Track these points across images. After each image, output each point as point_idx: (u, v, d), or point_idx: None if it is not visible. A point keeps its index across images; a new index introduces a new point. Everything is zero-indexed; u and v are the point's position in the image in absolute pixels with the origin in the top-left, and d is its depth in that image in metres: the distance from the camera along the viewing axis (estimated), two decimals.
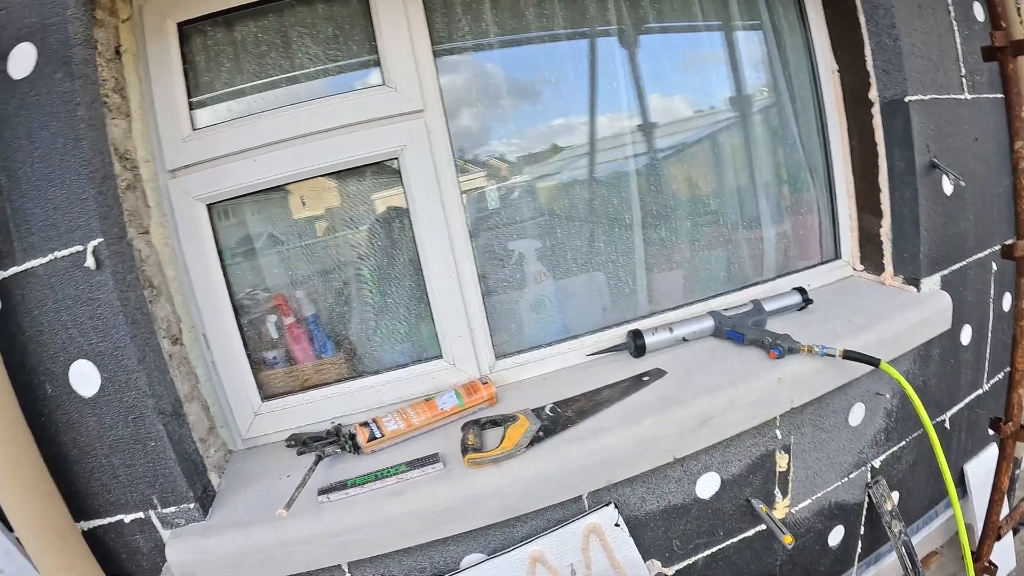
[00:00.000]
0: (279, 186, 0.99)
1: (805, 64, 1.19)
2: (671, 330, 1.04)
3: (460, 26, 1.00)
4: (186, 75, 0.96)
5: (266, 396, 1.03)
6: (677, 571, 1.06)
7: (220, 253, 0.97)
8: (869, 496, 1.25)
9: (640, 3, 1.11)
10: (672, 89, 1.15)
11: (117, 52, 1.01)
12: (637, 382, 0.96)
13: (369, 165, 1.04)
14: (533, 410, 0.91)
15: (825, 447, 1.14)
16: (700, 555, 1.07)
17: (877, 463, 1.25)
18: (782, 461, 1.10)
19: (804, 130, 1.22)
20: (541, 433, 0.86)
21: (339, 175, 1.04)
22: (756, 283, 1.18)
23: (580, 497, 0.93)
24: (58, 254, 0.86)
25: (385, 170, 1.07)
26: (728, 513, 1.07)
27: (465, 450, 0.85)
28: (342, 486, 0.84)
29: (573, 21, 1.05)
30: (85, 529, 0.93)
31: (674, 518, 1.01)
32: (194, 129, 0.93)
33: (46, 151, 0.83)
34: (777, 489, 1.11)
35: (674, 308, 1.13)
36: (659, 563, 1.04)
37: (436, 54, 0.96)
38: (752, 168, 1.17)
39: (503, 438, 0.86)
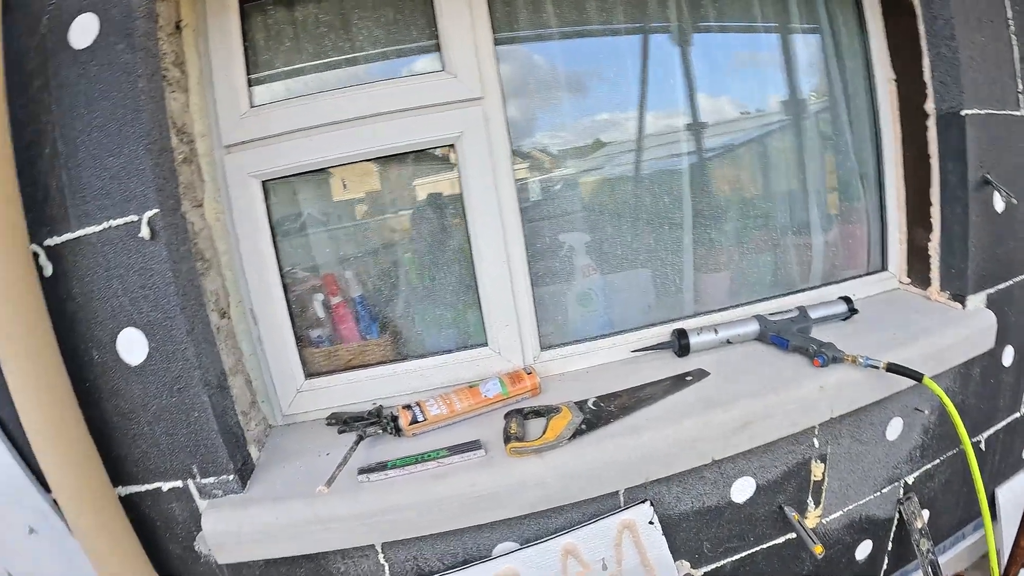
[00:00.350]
0: (322, 168, 0.99)
1: (862, 71, 1.17)
2: (716, 332, 1.03)
3: (521, 16, 1.00)
4: (246, 52, 0.96)
5: (309, 374, 1.03)
6: (705, 573, 1.05)
7: (272, 230, 0.97)
8: (900, 512, 1.23)
9: (700, 1, 1.10)
10: (725, 89, 1.14)
11: (177, 26, 1.02)
12: (680, 381, 0.95)
13: (416, 152, 1.04)
14: (576, 403, 0.90)
15: (861, 459, 1.13)
16: (729, 559, 1.06)
17: (910, 479, 1.23)
18: (817, 470, 1.08)
19: (857, 138, 1.20)
20: (584, 426, 0.86)
21: (386, 160, 1.04)
22: (802, 290, 1.17)
23: (616, 493, 0.92)
24: (112, 223, 0.87)
25: (429, 157, 1.07)
26: (760, 519, 1.06)
27: (508, 439, 0.85)
28: (382, 467, 0.85)
29: (631, 16, 1.05)
30: (122, 495, 0.94)
31: (707, 520, 1.01)
32: (252, 106, 0.94)
33: (104, 121, 0.84)
34: (810, 498, 1.09)
35: (719, 310, 1.12)
36: (688, 564, 1.03)
37: (496, 42, 0.96)
38: (804, 173, 1.16)
39: (546, 429, 0.86)
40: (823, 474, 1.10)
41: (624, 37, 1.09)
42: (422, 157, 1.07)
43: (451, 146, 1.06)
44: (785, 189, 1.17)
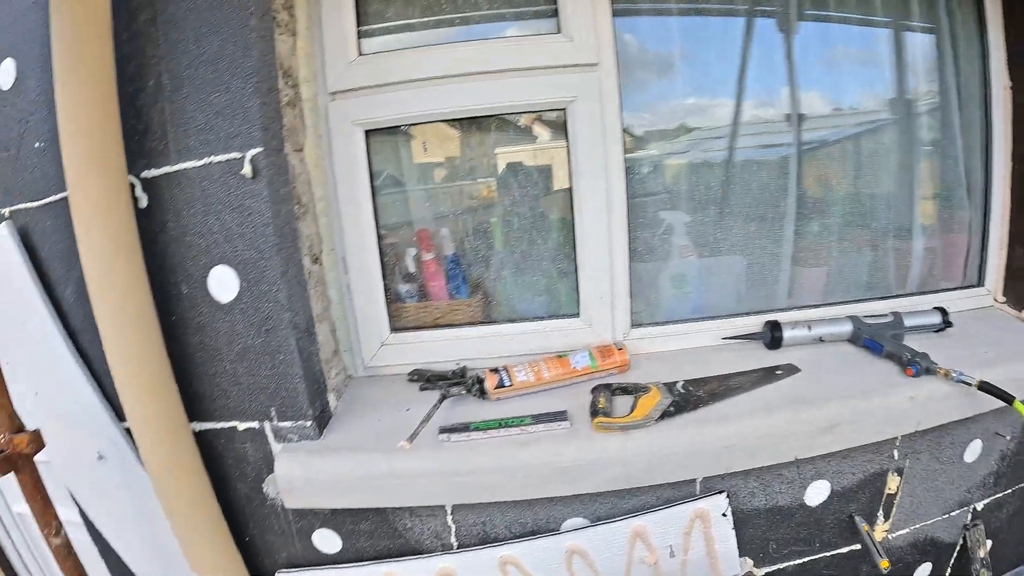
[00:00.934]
0: (428, 121, 0.98)
1: (978, 77, 1.11)
2: (809, 328, 1.00)
3: None
4: (356, 1, 0.96)
5: (395, 328, 1.03)
6: (766, 574, 1.02)
7: (371, 180, 0.96)
8: (964, 538, 1.19)
9: None
10: (832, 81, 1.09)
11: None
12: (769, 374, 0.92)
13: (523, 112, 1.02)
14: (665, 384, 0.88)
15: (936, 478, 1.09)
16: (792, 562, 1.03)
17: (980, 506, 1.18)
18: (893, 483, 1.04)
19: (968, 145, 1.14)
20: (672, 408, 0.84)
21: (492, 123, 1.03)
22: (895, 295, 1.12)
23: (694, 480, 0.90)
24: (214, 159, 0.87)
25: (512, 126, 1.06)
26: (829, 525, 1.02)
27: (595, 413, 0.83)
28: (465, 428, 0.84)
29: None
30: (196, 430, 0.95)
31: (777, 519, 0.98)
32: (360, 54, 0.93)
33: (213, 57, 0.84)
34: (881, 511, 1.06)
35: (813, 306, 1.09)
36: (751, 562, 1.00)
37: (614, 12, 0.93)
38: (909, 176, 1.11)
39: (634, 407, 0.84)
40: (898, 488, 1.06)
41: (734, 19, 1.06)
42: (521, 128, 1.06)
43: (538, 118, 1.05)
44: (889, 190, 1.12)
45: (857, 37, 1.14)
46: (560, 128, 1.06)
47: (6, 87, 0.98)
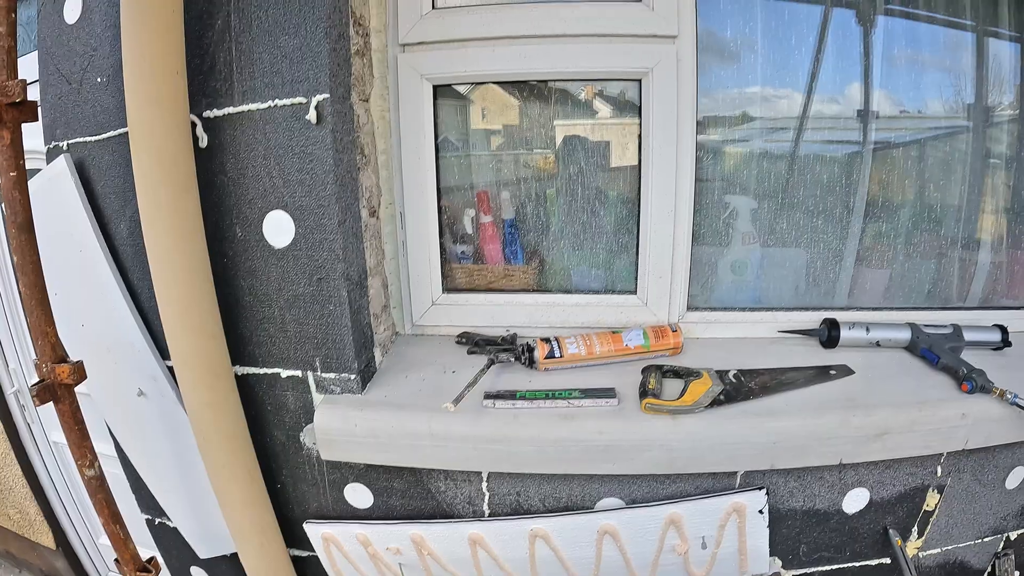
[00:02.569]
0: (499, 82, 0.96)
1: None
2: (867, 330, 0.97)
3: None
4: None
5: (447, 288, 1.02)
6: None
7: (436, 136, 0.95)
8: (994, 567, 1.16)
9: None
10: (908, 81, 1.05)
11: None
12: (823, 373, 0.90)
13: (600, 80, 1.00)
14: (717, 371, 0.86)
15: (975, 500, 1.06)
16: (821, 568, 1.01)
17: (1013, 535, 1.15)
18: (932, 500, 1.02)
19: None
20: (722, 397, 0.82)
21: (553, 94, 1.01)
22: (956, 308, 1.09)
23: (736, 473, 0.88)
24: (279, 102, 0.86)
25: (572, 98, 1.04)
26: (863, 535, 1.00)
27: (644, 393, 0.81)
28: (511, 395, 0.83)
29: None
30: (239, 374, 0.95)
31: (812, 523, 0.96)
32: (434, 7, 0.91)
33: None
34: (916, 527, 1.03)
35: (871, 308, 1.05)
36: (780, 563, 0.99)
37: None
38: (981, 187, 1.07)
39: (684, 391, 0.82)
40: (936, 505, 1.03)
41: (813, 7, 1.02)
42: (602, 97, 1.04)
43: (599, 92, 1.02)
44: (958, 199, 1.08)
45: (938, 38, 1.09)
46: (622, 104, 1.04)
47: (72, 21, 0.98)
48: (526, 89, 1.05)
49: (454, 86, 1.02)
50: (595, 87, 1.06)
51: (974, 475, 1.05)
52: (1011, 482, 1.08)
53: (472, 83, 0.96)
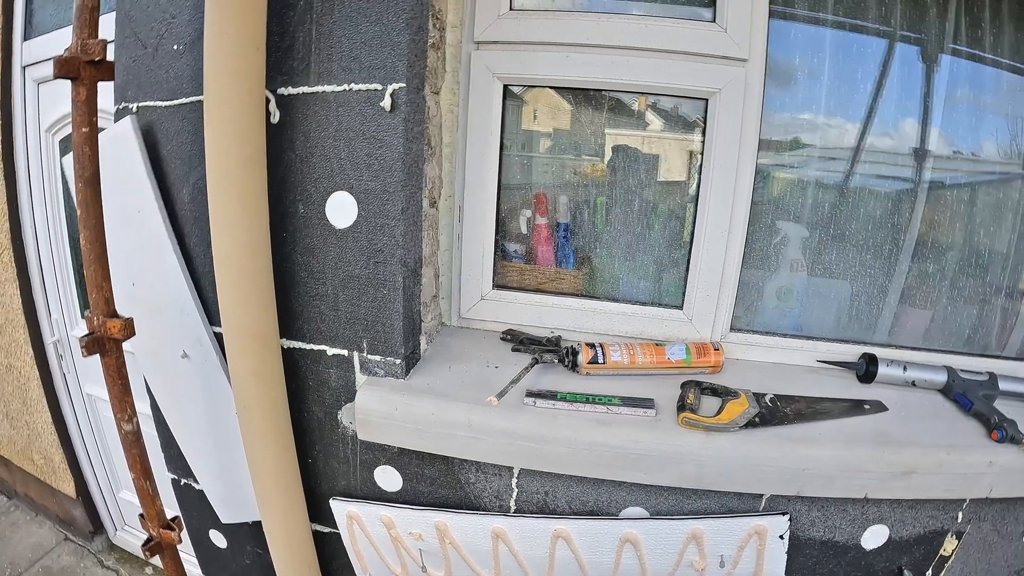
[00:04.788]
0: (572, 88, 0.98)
1: None
2: (904, 369, 0.98)
3: None
4: None
5: (496, 284, 1.04)
6: None
7: (502, 134, 0.97)
8: None
9: (981, 23, 1.02)
10: (966, 123, 1.05)
11: None
12: (857, 407, 0.91)
13: (622, 102, 1.02)
14: (755, 393, 0.87)
15: (992, 551, 1.06)
16: None
17: None
18: (949, 545, 1.02)
19: None
20: (757, 419, 0.83)
21: (605, 102, 1.03)
22: (994, 356, 1.09)
23: (762, 496, 0.90)
24: (354, 87, 0.88)
25: (625, 109, 1.06)
26: (877, 572, 1.01)
27: (682, 408, 0.83)
28: (552, 395, 0.84)
29: (911, 21, 0.98)
30: (285, 346, 0.98)
31: (830, 554, 0.97)
32: (511, 8, 0.93)
33: None
34: (931, 570, 1.03)
35: (910, 348, 1.06)
36: None
37: (771, 14, 0.91)
38: None
39: (721, 409, 0.83)
40: (953, 551, 1.04)
41: (879, 40, 1.03)
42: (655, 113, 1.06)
43: (652, 105, 1.04)
44: (1008, 247, 1.08)
45: (1001, 82, 1.10)
46: (673, 118, 1.06)
47: None
48: (580, 94, 1.06)
49: (511, 86, 1.04)
50: (648, 99, 1.08)
51: (994, 525, 1.05)
52: None
53: (536, 85, 0.98)
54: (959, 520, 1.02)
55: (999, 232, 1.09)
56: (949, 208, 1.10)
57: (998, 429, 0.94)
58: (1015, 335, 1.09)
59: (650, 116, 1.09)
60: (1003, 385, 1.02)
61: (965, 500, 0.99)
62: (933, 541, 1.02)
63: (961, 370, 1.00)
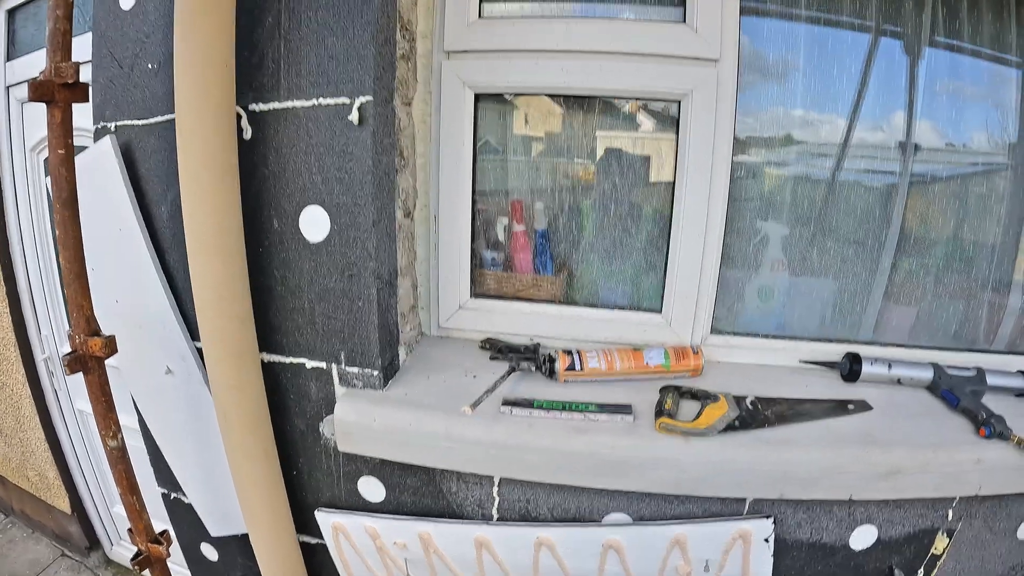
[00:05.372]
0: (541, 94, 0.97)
1: None
2: (889, 367, 0.97)
3: None
4: None
5: (474, 293, 1.04)
6: None
7: (474, 143, 0.97)
8: None
9: (958, 13, 1.00)
10: (951, 115, 1.04)
11: None
12: (841, 407, 0.90)
13: (613, 104, 1.01)
14: (735, 396, 0.87)
15: (984, 548, 1.05)
16: None
17: None
18: (940, 544, 1.01)
19: None
20: (737, 423, 0.82)
21: (597, 105, 1.02)
22: (982, 350, 1.07)
23: (744, 500, 0.89)
24: (323, 101, 0.88)
25: (616, 111, 1.05)
26: (868, 573, 0.99)
27: (660, 413, 0.82)
28: (528, 404, 0.84)
29: (887, 15, 0.97)
30: (265, 360, 0.98)
31: (818, 556, 0.96)
32: (480, 17, 0.92)
33: (335, 1, 0.84)
34: (922, 570, 1.02)
35: (895, 345, 1.05)
36: None
37: (742, 11, 0.90)
38: (1018, 228, 1.05)
39: (699, 414, 0.82)
40: (944, 550, 1.02)
41: (859, 34, 1.01)
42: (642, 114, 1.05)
43: (643, 106, 1.03)
44: (994, 239, 1.07)
45: (984, 72, 1.08)
46: (664, 119, 1.04)
47: (127, 7, 1.02)
48: (571, 97, 1.05)
49: (482, 95, 1.02)
50: (639, 100, 1.07)
51: (985, 522, 1.04)
52: (1023, 532, 1.06)
53: (514, 92, 0.97)
54: (949, 518, 1.00)
55: (984, 225, 1.07)
56: (933, 201, 1.09)
57: (986, 425, 0.92)
58: (1003, 328, 1.08)
59: (642, 117, 1.08)
60: (991, 380, 1.00)
61: (954, 498, 0.98)
62: (923, 540, 1.01)
63: (948, 366, 0.98)
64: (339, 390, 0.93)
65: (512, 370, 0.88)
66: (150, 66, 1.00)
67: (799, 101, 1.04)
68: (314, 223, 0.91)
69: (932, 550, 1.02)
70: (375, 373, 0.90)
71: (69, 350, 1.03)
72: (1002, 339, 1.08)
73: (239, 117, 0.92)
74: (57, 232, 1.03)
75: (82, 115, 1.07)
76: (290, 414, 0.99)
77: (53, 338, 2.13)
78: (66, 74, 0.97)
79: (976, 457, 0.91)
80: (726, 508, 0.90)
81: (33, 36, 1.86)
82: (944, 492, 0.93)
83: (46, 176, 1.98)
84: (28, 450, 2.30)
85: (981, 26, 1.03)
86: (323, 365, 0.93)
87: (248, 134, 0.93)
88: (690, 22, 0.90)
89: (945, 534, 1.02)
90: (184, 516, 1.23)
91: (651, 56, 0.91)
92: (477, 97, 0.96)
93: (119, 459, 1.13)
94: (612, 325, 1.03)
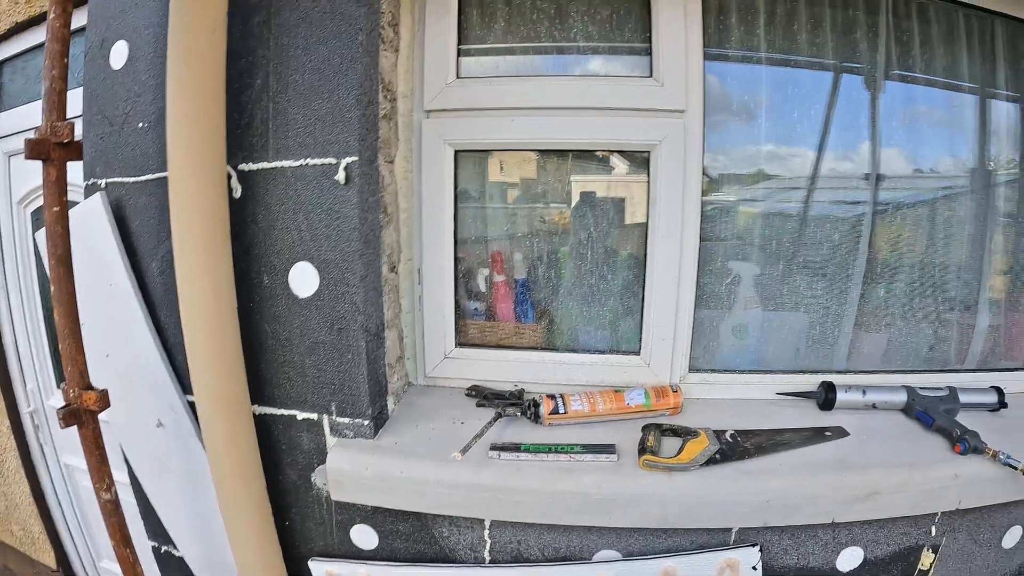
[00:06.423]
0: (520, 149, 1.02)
1: None
2: (864, 393, 1.00)
3: (732, 35, 1.00)
4: (459, 24, 1.00)
5: (459, 343, 1.07)
6: None
7: (455, 198, 1.01)
8: None
9: (911, 50, 1.07)
10: (913, 143, 1.10)
11: None
12: (819, 435, 0.93)
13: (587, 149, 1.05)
14: (715, 431, 0.90)
15: (971, 560, 1.07)
16: None
17: None
18: (926, 560, 1.03)
19: None
20: (718, 456, 0.85)
21: (571, 150, 1.06)
22: (954, 370, 1.12)
23: (730, 529, 0.91)
24: (310, 161, 0.92)
25: (590, 155, 1.09)
26: None
27: (642, 450, 0.85)
28: (515, 448, 0.86)
29: (842, 54, 1.03)
30: (257, 413, 1.00)
31: None
32: (458, 77, 0.98)
33: (319, 66, 0.89)
34: None
35: (869, 372, 1.09)
36: None
37: (706, 56, 0.96)
38: (982, 249, 1.11)
39: (681, 449, 0.85)
40: (931, 565, 1.05)
41: (821, 72, 1.07)
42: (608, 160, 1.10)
43: (618, 152, 1.08)
44: (959, 261, 1.12)
45: (942, 100, 1.14)
46: (638, 162, 1.08)
47: (117, 67, 1.05)
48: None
49: (461, 151, 1.05)
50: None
51: (970, 535, 1.07)
52: (1008, 541, 1.09)
53: (491, 149, 1.02)
54: (933, 534, 1.03)
55: (949, 248, 1.13)
56: (898, 228, 1.14)
57: (960, 442, 0.96)
58: (974, 346, 1.12)
59: (615, 160, 1.13)
60: (964, 398, 1.04)
61: (936, 514, 1.00)
62: (909, 557, 1.03)
63: (921, 388, 1.02)
64: (330, 440, 0.95)
65: (498, 416, 0.91)
66: (141, 124, 1.03)
67: (768, 136, 1.09)
68: (303, 279, 0.93)
69: (919, 566, 1.05)
70: (365, 423, 0.92)
71: (63, 403, 1.04)
72: (973, 357, 1.12)
73: (229, 176, 0.96)
74: (52, 288, 1.05)
75: (72, 170, 1.10)
76: (283, 465, 1.00)
77: (40, 391, 2.10)
78: (62, 133, 0.99)
79: (953, 473, 0.94)
80: (713, 539, 0.92)
81: (21, 89, 1.88)
82: (924, 509, 0.96)
83: (33, 229, 1.99)
84: (12, 504, 2.25)
85: (934, 59, 1.10)
86: (314, 416, 0.95)
87: (238, 193, 0.96)
88: (656, 75, 0.96)
89: (930, 550, 1.04)
90: (175, 569, 1.22)
91: (621, 110, 0.96)
92: (456, 153, 1.00)
93: (113, 512, 1.12)
94: (593, 368, 1.06)
